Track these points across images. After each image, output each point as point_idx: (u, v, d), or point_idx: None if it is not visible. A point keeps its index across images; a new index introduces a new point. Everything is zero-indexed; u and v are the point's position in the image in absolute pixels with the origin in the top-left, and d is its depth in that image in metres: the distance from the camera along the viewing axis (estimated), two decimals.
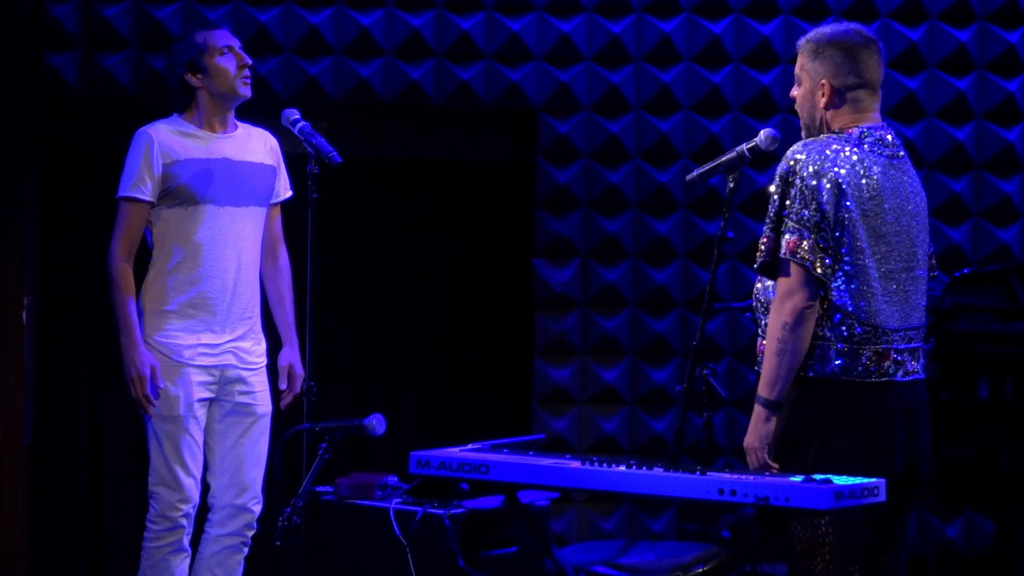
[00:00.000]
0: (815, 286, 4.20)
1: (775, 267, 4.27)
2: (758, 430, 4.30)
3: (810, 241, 4.19)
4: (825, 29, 4.44)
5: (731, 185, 4.61)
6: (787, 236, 4.22)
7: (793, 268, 4.21)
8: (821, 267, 4.19)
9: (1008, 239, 7.16)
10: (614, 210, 7.06)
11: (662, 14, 7.05)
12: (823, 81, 4.37)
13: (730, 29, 7.08)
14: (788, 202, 4.23)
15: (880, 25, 7.10)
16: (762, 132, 4.61)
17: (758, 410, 4.30)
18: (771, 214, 4.28)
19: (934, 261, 4.55)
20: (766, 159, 6.78)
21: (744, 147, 4.61)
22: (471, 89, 6.97)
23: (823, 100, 4.38)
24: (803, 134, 4.47)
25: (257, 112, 5.69)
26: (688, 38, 7.06)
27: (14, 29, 6.76)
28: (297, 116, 5.38)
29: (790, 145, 4.67)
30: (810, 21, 6.99)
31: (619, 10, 7.04)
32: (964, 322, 6.47)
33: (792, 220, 4.21)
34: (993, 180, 7.17)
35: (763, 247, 4.28)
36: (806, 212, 4.20)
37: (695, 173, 4.75)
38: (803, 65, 4.42)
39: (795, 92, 4.46)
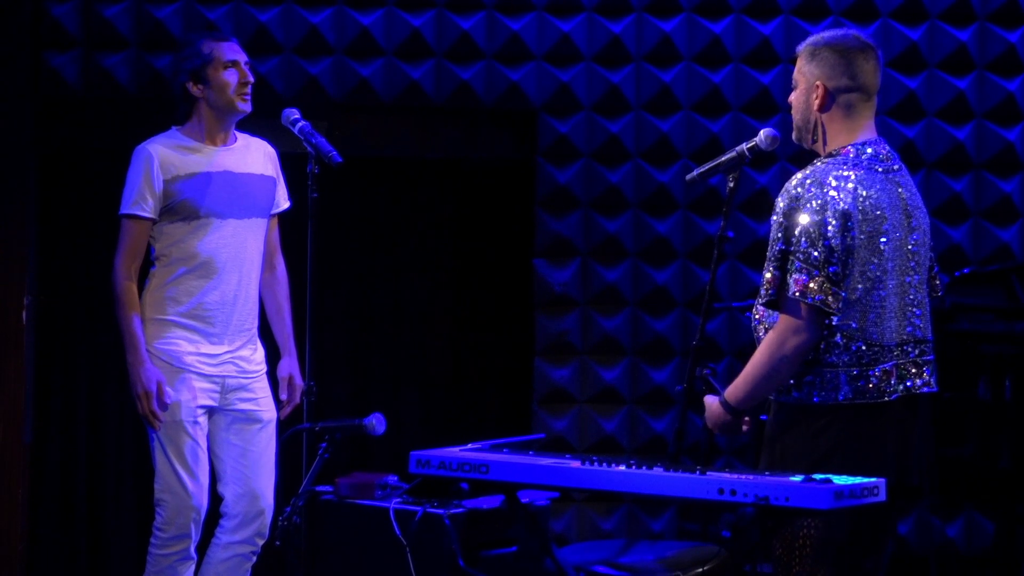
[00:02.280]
0: (823, 323, 4.20)
1: (781, 304, 4.26)
2: (718, 423, 4.39)
3: (819, 279, 4.18)
4: (825, 33, 4.44)
5: (731, 185, 4.60)
6: (795, 276, 4.20)
7: (803, 308, 4.20)
8: (834, 301, 4.19)
9: (1008, 239, 7.16)
10: (614, 210, 7.06)
11: (662, 14, 7.05)
12: (817, 83, 4.37)
13: (730, 29, 7.08)
14: (793, 240, 4.22)
15: (880, 25, 7.10)
16: (762, 132, 4.60)
17: (720, 411, 4.37)
18: (775, 250, 4.26)
19: (937, 281, 4.54)
20: (766, 159, 6.82)
21: (744, 147, 4.61)
22: (471, 89, 6.98)
23: (817, 102, 4.38)
24: (794, 135, 4.47)
25: (257, 112, 5.69)
26: (688, 38, 7.06)
27: (14, 29, 6.76)
28: (297, 116, 5.38)
29: (790, 145, 4.67)
30: (810, 21, 7.00)
31: (619, 10, 7.04)
32: (964, 322, 6.47)
33: (799, 259, 4.20)
34: (993, 180, 7.17)
35: (769, 284, 4.27)
36: (814, 251, 4.19)
37: (695, 173, 4.74)
38: (800, 68, 4.43)
39: (792, 97, 4.47)
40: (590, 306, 7.07)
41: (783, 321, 4.23)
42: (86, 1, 6.81)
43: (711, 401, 4.42)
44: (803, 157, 4.47)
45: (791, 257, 4.22)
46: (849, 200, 4.22)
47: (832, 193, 4.22)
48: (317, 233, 5.26)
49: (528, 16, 7.00)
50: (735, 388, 4.34)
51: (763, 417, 4.49)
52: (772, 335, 4.24)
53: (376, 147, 7.12)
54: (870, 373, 4.24)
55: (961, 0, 7.14)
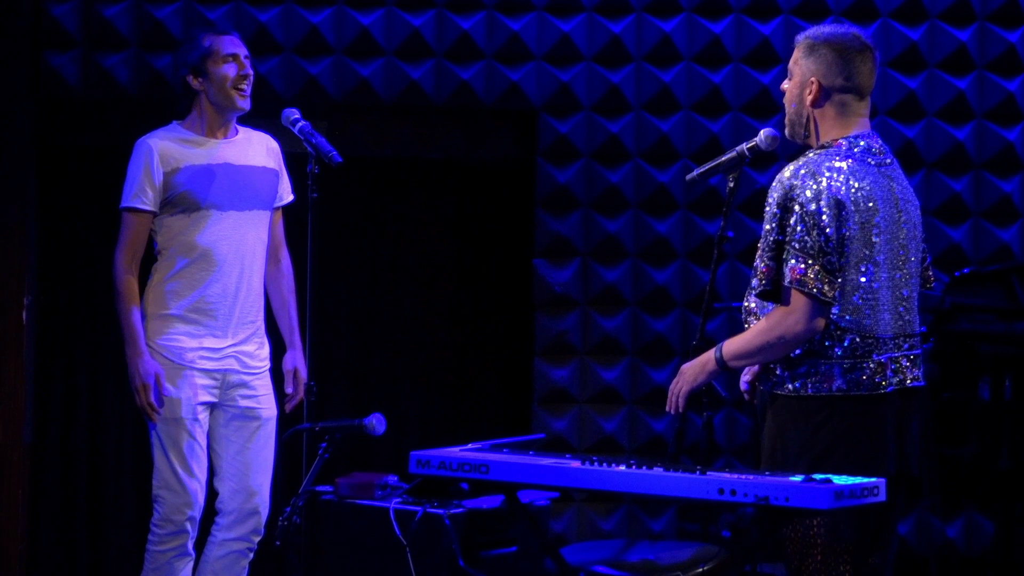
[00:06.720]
0: (820, 312, 4.20)
1: (776, 294, 4.26)
2: (696, 377, 4.40)
3: (815, 268, 4.18)
4: (825, 28, 4.43)
5: (731, 185, 4.61)
6: (791, 264, 4.20)
7: (799, 296, 4.20)
8: (830, 290, 4.19)
9: (1008, 239, 7.16)
10: (614, 210, 7.06)
11: (662, 14, 7.05)
12: (812, 79, 4.37)
13: (730, 29, 7.08)
14: (789, 229, 4.22)
15: (880, 25, 7.10)
16: (762, 132, 4.60)
17: (711, 362, 4.37)
18: (769, 241, 4.26)
19: (929, 273, 4.54)
20: (766, 159, 6.81)
21: (744, 147, 4.61)
22: (471, 89, 6.98)
23: (810, 98, 4.38)
24: (787, 130, 4.46)
25: (257, 112, 5.69)
26: (688, 38, 7.07)
27: (14, 29, 6.77)
28: (297, 116, 5.39)
29: (790, 145, 4.67)
30: (810, 21, 6.99)
31: (619, 10, 7.04)
32: (964, 322, 6.47)
33: (795, 248, 4.20)
34: (993, 180, 7.17)
35: (762, 275, 4.27)
36: (808, 239, 4.19)
37: (695, 173, 4.74)
38: (797, 60, 4.42)
39: (785, 85, 4.46)
40: (590, 306, 7.07)
41: (778, 310, 4.23)
42: (86, 1, 6.81)
43: (704, 357, 4.42)
44: None
45: (786, 246, 4.22)
46: (843, 191, 4.22)
47: (826, 183, 4.22)
48: (317, 233, 5.26)
49: (528, 16, 7.01)
50: (732, 343, 4.37)
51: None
52: (773, 317, 4.24)
53: (376, 147, 7.12)
54: (864, 365, 4.24)
55: (961, 0, 7.14)
